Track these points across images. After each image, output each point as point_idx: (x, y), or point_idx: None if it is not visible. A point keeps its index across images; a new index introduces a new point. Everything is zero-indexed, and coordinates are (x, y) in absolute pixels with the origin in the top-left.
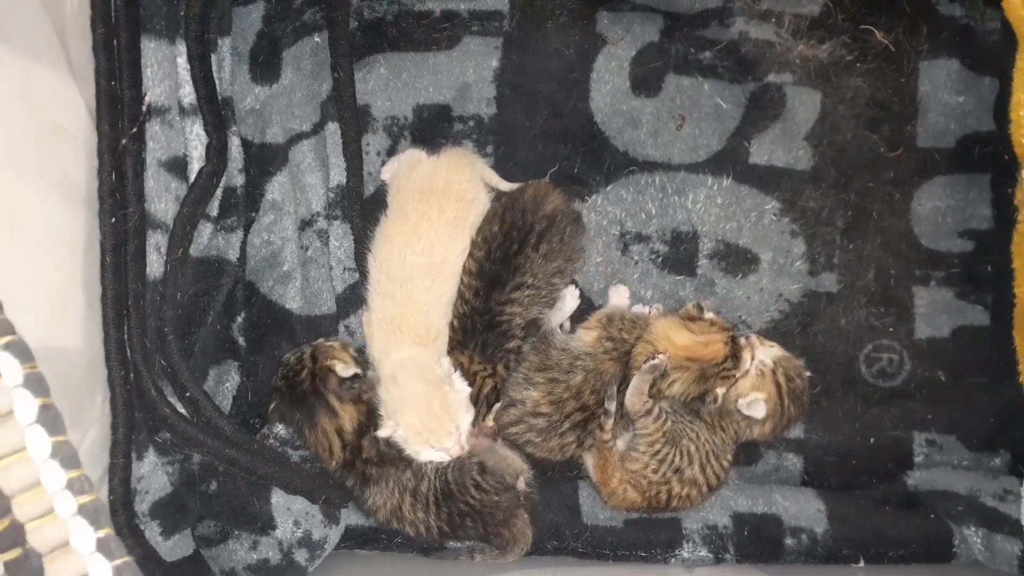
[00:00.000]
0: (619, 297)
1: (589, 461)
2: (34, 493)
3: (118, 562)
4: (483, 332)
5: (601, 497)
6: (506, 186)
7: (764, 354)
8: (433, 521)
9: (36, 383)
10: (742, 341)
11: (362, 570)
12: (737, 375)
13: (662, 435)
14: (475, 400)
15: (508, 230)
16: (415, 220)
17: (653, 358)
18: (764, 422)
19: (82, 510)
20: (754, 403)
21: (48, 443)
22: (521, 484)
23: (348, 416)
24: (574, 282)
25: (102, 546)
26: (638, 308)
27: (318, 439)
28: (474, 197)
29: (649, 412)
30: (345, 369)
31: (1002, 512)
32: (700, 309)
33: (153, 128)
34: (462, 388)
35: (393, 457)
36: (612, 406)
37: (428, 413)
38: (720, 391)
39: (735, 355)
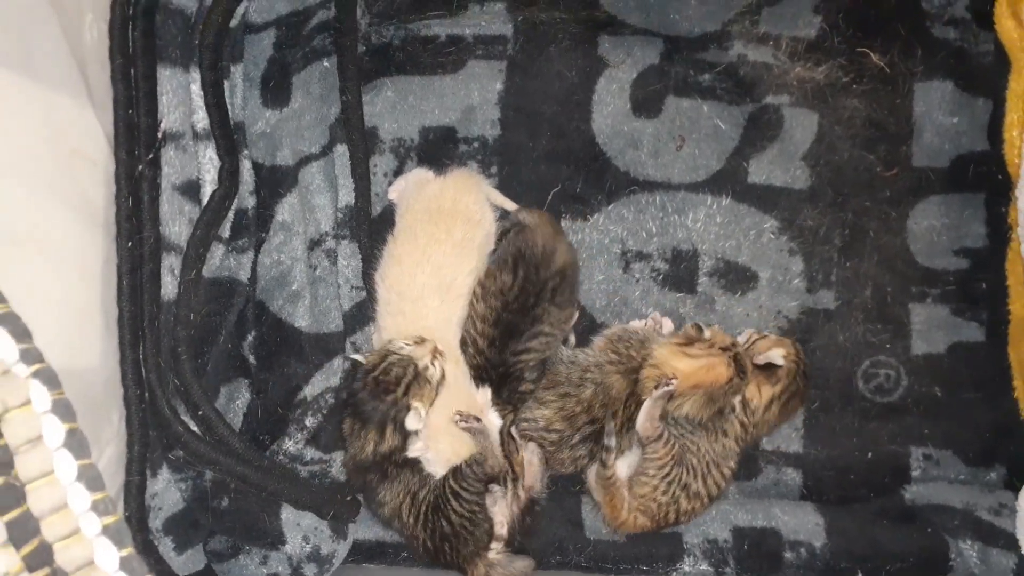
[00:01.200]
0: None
1: (591, 477)
2: (61, 515)
3: None
4: (497, 381)
5: (609, 526)
6: (511, 206)
7: (767, 342)
8: (420, 533)
9: (63, 409)
10: (755, 339)
11: None
12: (745, 381)
13: (671, 458)
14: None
15: (523, 284)
16: (424, 241)
17: (666, 384)
18: (771, 403)
19: (106, 530)
20: (772, 354)
21: (75, 466)
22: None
23: (390, 443)
24: None
25: (125, 564)
26: (636, 323)
27: (358, 437)
28: (481, 218)
29: (660, 436)
30: (416, 421)
31: (998, 526)
32: (699, 329)
33: (168, 153)
34: (496, 421)
35: (414, 462)
36: (612, 441)
37: (463, 444)
38: (737, 400)
39: (740, 372)
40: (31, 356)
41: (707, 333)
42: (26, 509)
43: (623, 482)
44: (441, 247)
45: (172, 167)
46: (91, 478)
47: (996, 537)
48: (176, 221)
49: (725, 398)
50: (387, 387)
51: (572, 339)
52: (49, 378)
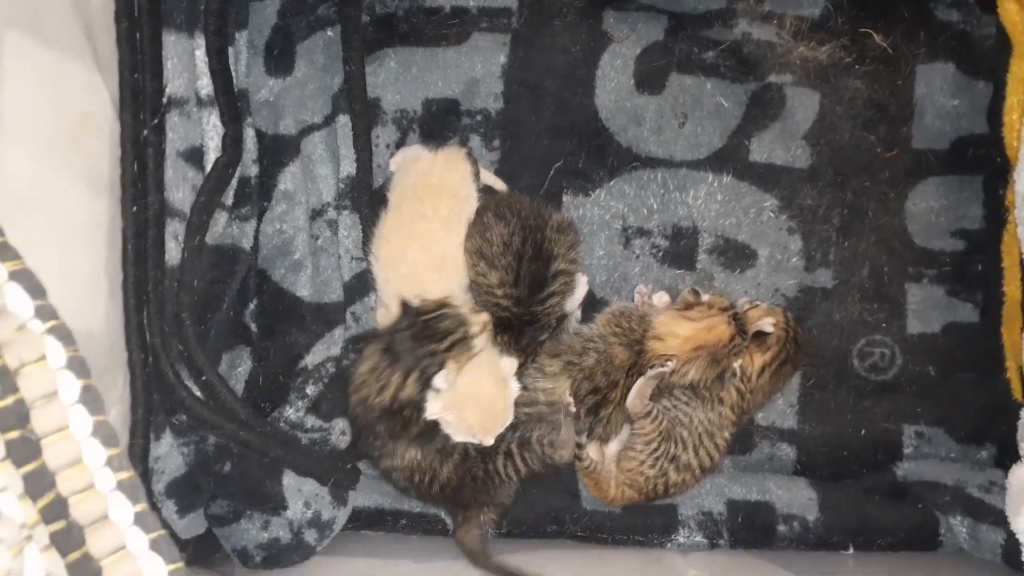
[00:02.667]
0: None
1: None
2: (76, 469)
3: (154, 535)
4: (520, 326)
5: (598, 500)
6: (501, 186)
7: (759, 310)
8: (440, 466)
9: (79, 365)
10: (747, 308)
11: (368, 550)
12: (746, 342)
13: (659, 434)
14: None
15: (521, 223)
16: (411, 218)
17: (662, 364)
18: (764, 370)
19: (120, 485)
20: (762, 323)
21: (90, 422)
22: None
23: (409, 392)
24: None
25: (139, 519)
26: (639, 297)
27: (380, 378)
28: (467, 194)
29: (648, 414)
30: (443, 381)
31: (987, 503)
32: (696, 294)
33: (172, 119)
34: (516, 389)
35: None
36: (583, 438)
37: (489, 415)
38: (737, 364)
39: (742, 330)
40: (46, 312)
41: (705, 297)
42: (42, 463)
43: (602, 464)
44: (428, 223)
45: (176, 133)
46: (106, 434)
47: (986, 513)
48: (180, 187)
49: (728, 359)
50: (432, 335)
51: (578, 313)
52: (64, 335)
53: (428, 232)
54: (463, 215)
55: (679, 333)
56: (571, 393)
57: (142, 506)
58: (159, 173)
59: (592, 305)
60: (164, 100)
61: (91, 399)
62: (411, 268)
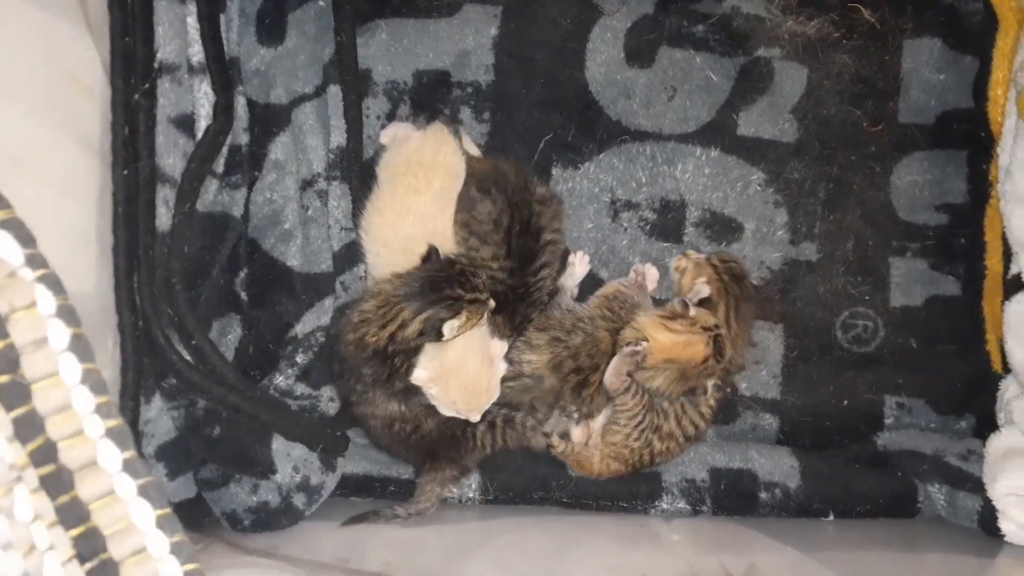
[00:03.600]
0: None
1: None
2: (66, 415)
3: (142, 481)
4: (515, 303)
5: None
6: (475, 151)
7: (688, 259)
8: (430, 424)
9: (68, 314)
10: (682, 263)
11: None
12: (721, 367)
13: (641, 407)
14: None
15: (506, 199)
16: (402, 192)
17: (636, 345)
18: (727, 320)
19: (109, 432)
20: (698, 289)
21: (79, 369)
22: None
23: (409, 332)
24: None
25: (128, 466)
26: (634, 275)
27: (387, 315)
28: (459, 169)
29: (628, 389)
30: (451, 330)
31: (965, 471)
32: (685, 306)
33: (164, 85)
34: (503, 368)
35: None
36: (548, 427)
37: (474, 393)
38: (710, 383)
39: (718, 353)
40: (36, 261)
41: (692, 311)
42: (32, 407)
43: (581, 446)
44: (421, 197)
45: (167, 99)
46: (95, 381)
47: (963, 481)
48: (171, 153)
49: (698, 379)
50: (465, 284)
51: (575, 291)
52: (54, 283)
53: (421, 206)
54: (454, 190)
55: (656, 339)
56: (551, 367)
57: (130, 453)
58: (150, 138)
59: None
60: (155, 65)
61: (81, 347)
62: (404, 243)
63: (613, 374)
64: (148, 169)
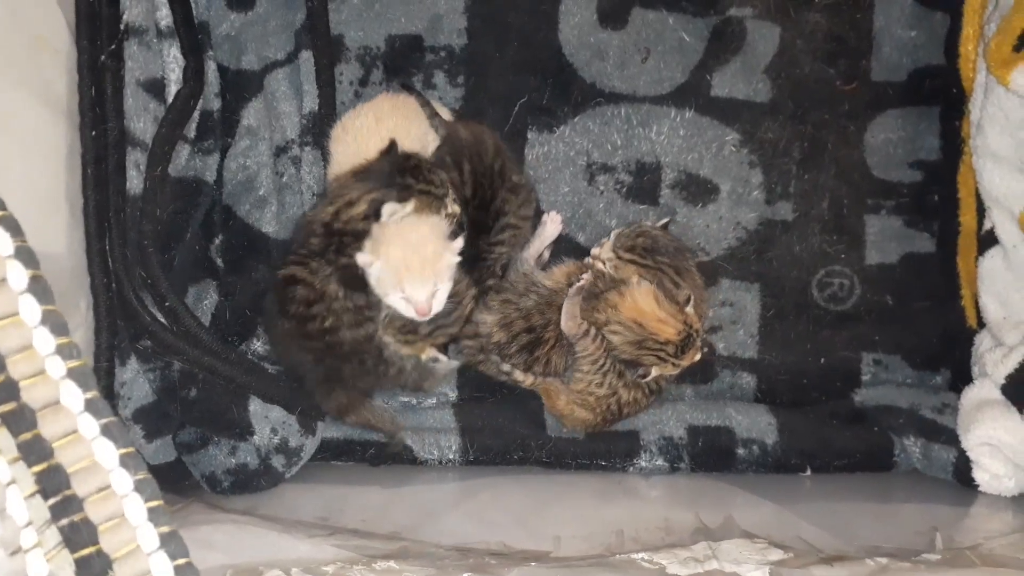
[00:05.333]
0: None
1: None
2: (27, 354)
3: (105, 420)
4: (467, 263)
5: (554, 417)
6: (446, 114)
7: (602, 251)
8: (348, 336)
9: (26, 255)
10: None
11: (337, 479)
12: (676, 363)
13: (602, 351)
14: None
15: (473, 176)
16: (353, 136)
17: (578, 280)
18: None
19: (71, 373)
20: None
21: (39, 310)
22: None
23: (358, 211)
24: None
25: (90, 406)
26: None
27: (337, 194)
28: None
29: (587, 333)
30: (398, 212)
31: (940, 423)
32: (688, 301)
33: (131, 48)
34: (455, 258)
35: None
36: (506, 366)
37: (416, 252)
38: (655, 370)
39: (681, 349)
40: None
41: (689, 308)
42: None
43: (552, 379)
44: (375, 135)
45: (135, 62)
46: (55, 323)
47: (938, 433)
48: (141, 118)
49: (648, 356)
50: (418, 176)
51: (546, 255)
52: (11, 225)
53: (377, 142)
54: (412, 130)
55: (639, 303)
56: (500, 326)
57: (93, 393)
58: (118, 100)
59: (556, 242)
60: (121, 27)
61: (40, 288)
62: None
63: (568, 318)
64: (117, 131)
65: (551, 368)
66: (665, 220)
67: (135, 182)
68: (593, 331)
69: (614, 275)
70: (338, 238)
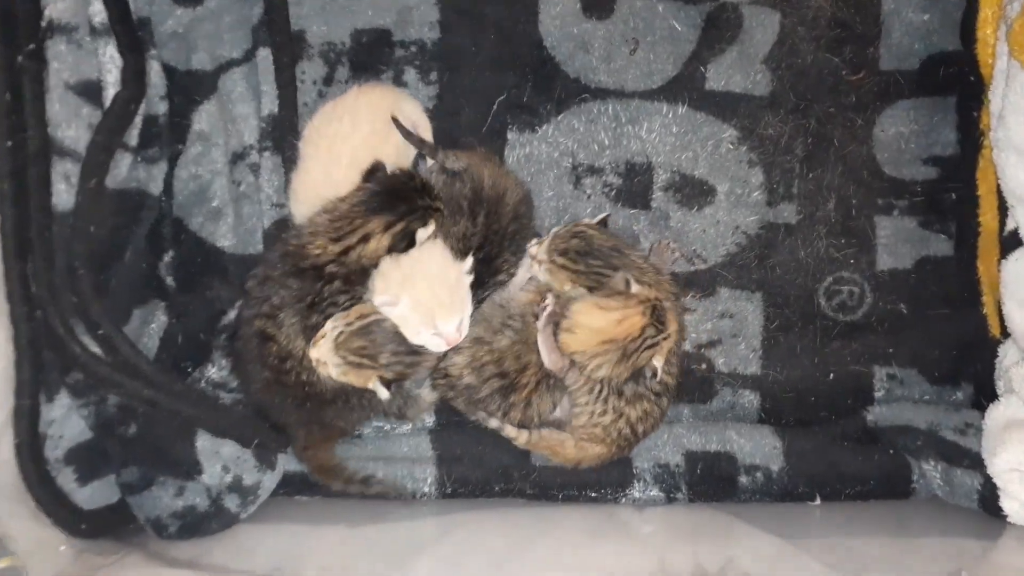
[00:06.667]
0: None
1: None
2: None
3: None
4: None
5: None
6: (424, 124)
7: (539, 251)
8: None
9: None
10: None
11: (300, 516)
12: (666, 336)
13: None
14: None
15: (485, 232)
16: (328, 143)
17: (542, 309)
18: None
19: None
20: (578, 292)
21: None
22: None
23: (378, 246)
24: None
25: None
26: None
27: (350, 227)
28: (393, 104)
29: (573, 364)
30: (425, 234)
31: (963, 446)
32: (628, 284)
33: (57, 47)
34: (470, 278)
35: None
36: (494, 422)
37: (442, 284)
38: (658, 362)
39: (658, 320)
40: None
41: (635, 288)
42: None
43: (548, 432)
44: (348, 142)
45: (63, 63)
46: None
47: (961, 457)
48: (72, 124)
49: (639, 354)
50: (431, 193)
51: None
52: None
53: (350, 150)
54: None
55: (591, 325)
56: (470, 369)
57: None
58: (39, 105)
59: None
60: (43, 23)
61: None
62: (340, 190)
63: (546, 353)
64: (39, 140)
65: (532, 413)
66: (602, 216)
67: (64, 196)
68: (576, 364)
69: (549, 281)
70: (325, 282)
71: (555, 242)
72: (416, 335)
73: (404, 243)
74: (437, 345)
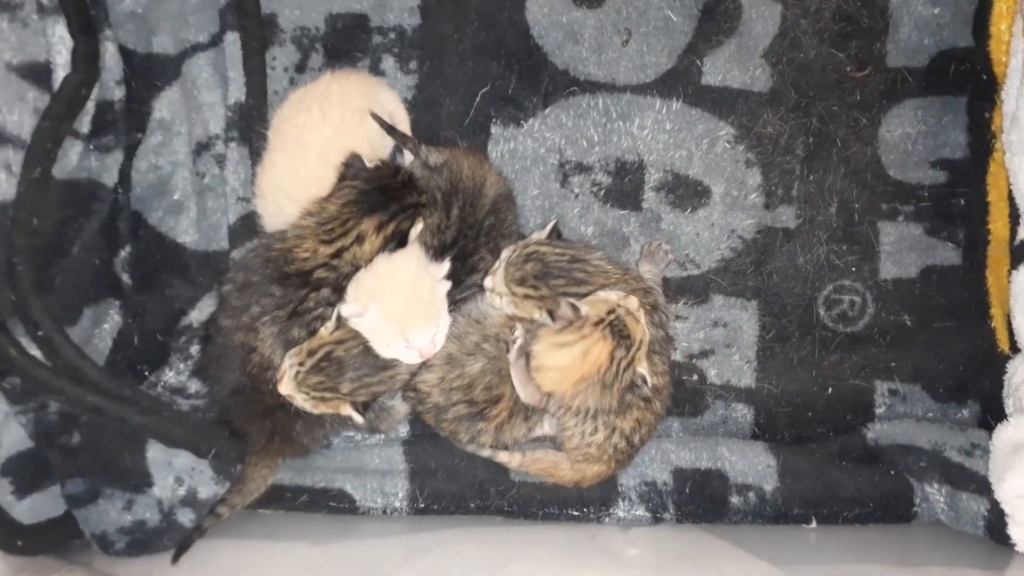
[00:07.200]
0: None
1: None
2: None
3: None
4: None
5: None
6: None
7: (495, 283)
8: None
9: None
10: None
11: (263, 531)
12: (637, 347)
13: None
14: None
15: (460, 225)
16: (296, 133)
17: (512, 339)
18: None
19: None
20: (542, 319)
21: None
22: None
23: (371, 247)
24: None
25: None
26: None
27: (341, 227)
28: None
29: (551, 394)
30: (415, 233)
31: (968, 468)
32: (575, 309)
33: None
34: (446, 286)
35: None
36: (487, 451)
37: (414, 296)
38: (642, 370)
39: (621, 336)
40: None
41: (584, 309)
42: None
43: (543, 454)
44: (319, 133)
45: (6, 42)
46: None
47: (966, 480)
48: (15, 109)
49: (619, 378)
50: (416, 187)
51: None
52: None
53: (320, 143)
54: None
55: (555, 365)
56: (439, 388)
57: None
58: None
59: None
60: None
61: None
62: (307, 186)
63: (521, 388)
64: None
65: (504, 439)
66: (551, 225)
67: (4, 186)
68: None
69: (516, 312)
70: (310, 289)
71: (509, 271)
72: (386, 348)
73: (395, 243)
74: (411, 357)
